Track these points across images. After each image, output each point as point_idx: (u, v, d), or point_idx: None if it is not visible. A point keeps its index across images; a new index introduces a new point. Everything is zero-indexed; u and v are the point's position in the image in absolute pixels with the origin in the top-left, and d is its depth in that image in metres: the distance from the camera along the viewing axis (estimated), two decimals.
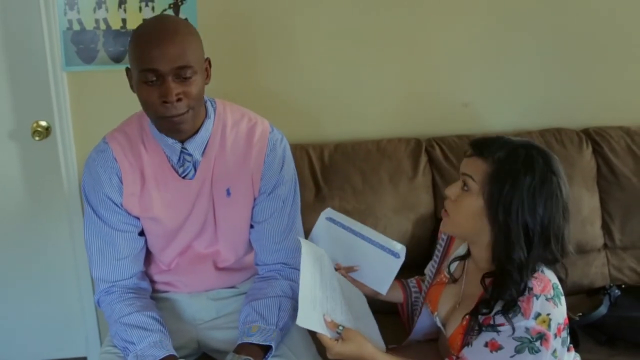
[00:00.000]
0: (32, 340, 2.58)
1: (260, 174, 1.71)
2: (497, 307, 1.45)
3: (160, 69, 1.47)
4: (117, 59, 2.17)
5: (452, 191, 1.53)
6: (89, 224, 1.71)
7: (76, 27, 2.12)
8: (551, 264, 1.48)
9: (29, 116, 2.27)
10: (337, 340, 1.52)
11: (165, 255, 1.78)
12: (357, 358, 1.53)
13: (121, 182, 1.66)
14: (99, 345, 2.52)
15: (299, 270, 1.78)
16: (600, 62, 2.49)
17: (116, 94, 2.21)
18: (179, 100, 1.50)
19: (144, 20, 1.59)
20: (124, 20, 2.13)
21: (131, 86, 1.59)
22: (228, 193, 1.70)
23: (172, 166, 1.67)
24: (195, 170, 1.67)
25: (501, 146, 1.47)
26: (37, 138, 2.26)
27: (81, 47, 2.14)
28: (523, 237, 1.44)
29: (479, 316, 1.48)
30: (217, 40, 2.21)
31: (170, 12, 2.14)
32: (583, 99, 2.52)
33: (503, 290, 1.45)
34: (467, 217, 1.50)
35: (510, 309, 1.43)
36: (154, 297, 1.82)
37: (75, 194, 2.32)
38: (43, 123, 2.26)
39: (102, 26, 2.13)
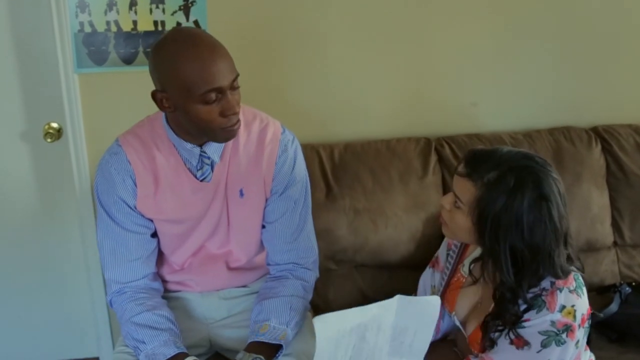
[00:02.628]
0: (44, 341, 2.59)
1: (272, 175, 1.72)
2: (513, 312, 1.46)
3: (223, 85, 1.49)
4: (128, 61, 2.18)
5: (446, 202, 1.54)
6: (102, 226, 1.72)
7: (87, 29, 2.13)
8: (556, 278, 1.46)
9: (40, 118, 2.28)
10: None
11: (177, 256, 1.79)
12: None
13: (135, 185, 1.67)
14: (111, 346, 2.53)
15: (310, 269, 1.81)
16: (608, 60, 2.50)
17: (127, 95, 2.23)
18: None
19: (163, 40, 1.51)
20: (134, 22, 2.15)
21: (164, 107, 1.58)
22: (241, 194, 1.71)
23: (189, 169, 1.68)
24: (212, 173, 1.69)
25: (493, 167, 1.43)
26: (48, 140, 2.27)
27: (92, 49, 2.16)
28: (510, 261, 1.43)
29: (492, 332, 1.49)
30: (227, 42, 2.20)
31: (180, 13, 2.15)
32: (592, 98, 2.52)
33: (503, 310, 1.46)
34: (461, 230, 1.52)
35: (519, 321, 1.44)
36: (166, 297, 1.83)
37: (87, 195, 2.33)
38: (55, 125, 2.28)
39: (113, 28, 2.14)
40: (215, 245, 1.77)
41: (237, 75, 1.53)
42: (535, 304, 1.44)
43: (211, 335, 1.86)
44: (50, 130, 2.27)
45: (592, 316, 1.82)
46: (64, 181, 2.34)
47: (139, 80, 2.19)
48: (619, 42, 2.49)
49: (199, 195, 1.69)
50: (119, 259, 1.72)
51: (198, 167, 1.67)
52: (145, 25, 2.16)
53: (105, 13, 2.13)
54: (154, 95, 1.56)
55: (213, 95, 1.48)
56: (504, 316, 1.46)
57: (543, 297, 1.43)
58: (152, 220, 1.73)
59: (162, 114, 1.67)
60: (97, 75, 2.20)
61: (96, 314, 2.52)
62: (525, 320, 1.44)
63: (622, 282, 2.23)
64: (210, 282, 1.83)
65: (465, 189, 1.46)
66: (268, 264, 1.84)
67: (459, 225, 1.50)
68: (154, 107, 2.25)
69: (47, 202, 2.41)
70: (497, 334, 1.49)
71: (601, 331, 2.09)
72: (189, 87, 1.47)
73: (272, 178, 1.72)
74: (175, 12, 2.15)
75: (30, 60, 2.22)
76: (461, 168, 1.49)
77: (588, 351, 1.66)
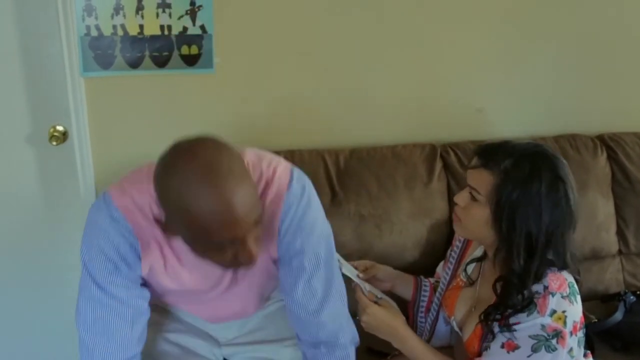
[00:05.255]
0: (44, 346, 2.58)
1: (276, 242, 1.48)
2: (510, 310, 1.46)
3: (243, 235, 1.25)
4: (134, 65, 2.18)
5: (460, 199, 1.55)
6: (87, 296, 1.46)
7: (94, 32, 2.13)
8: (560, 269, 1.48)
9: (46, 121, 2.27)
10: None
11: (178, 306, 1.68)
12: (388, 327, 1.59)
13: (139, 259, 1.43)
14: None
15: (342, 348, 1.57)
16: (614, 67, 2.50)
17: (133, 99, 2.24)
18: None
19: (170, 167, 1.23)
20: (141, 27, 2.14)
21: (165, 230, 1.35)
22: None
23: None
24: None
25: (507, 155, 1.46)
26: (54, 143, 2.26)
27: (99, 52, 2.16)
28: (524, 247, 1.44)
29: (490, 322, 1.49)
30: (233, 46, 2.22)
31: (187, 18, 2.15)
32: (598, 105, 2.53)
33: (507, 297, 1.46)
34: (477, 224, 1.52)
35: (522, 311, 1.44)
36: (165, 308, 1.72)
37: (91, 199, 2.33)
38: (60, 128, 2.27)
39: (120, 32, 2.14)
40: (222, 303, 1.61)
41: (260, 213, 1.28)
42: (527, 307, 1.44)
43: (225, 354, 1.74)
44: (56, 134, 2.26)
45: (593, 324, 1.83)
46: (68, 184, 2.34)
47: (145, 84, 2.21)
48: (625, 50, 2.49)
49: (210, 267, 1.42)
50: (105, 333, 1.47)
51: None
52: (152, 29, 2.15)
53: (112, 17, 2.12)
54: (155, 218, 1.35)
55: (228, 243, 1.25)
56: (507, 304, 1.46)
57: (535, 300, 1.44)
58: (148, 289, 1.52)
59: None
60: (103, 79, 2.20)
61: None
62: (516, 324, 1.45)
63: (626, 290, 2.22)
64: (217, 319, 1.71)
65: (482, 178, 1.47)
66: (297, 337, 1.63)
67: (476, 218, 1.51)
68: (158, 112, 2.27)
69: (52, 206, 2.40)
70: (490, 335, 1.49)
71: (605, 340, 2.08)
72: (198, 236, 1.25)
73: (276, 245, 1.48)
74: (181, 16, 2.15)
75: (36, 64, 2.22)
76: (475, 161, 1.51)
77: (591, 359, 1.65)
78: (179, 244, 1.40)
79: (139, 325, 1.49)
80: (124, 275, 1.42)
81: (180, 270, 1.46)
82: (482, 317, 1.52)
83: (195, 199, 1.19)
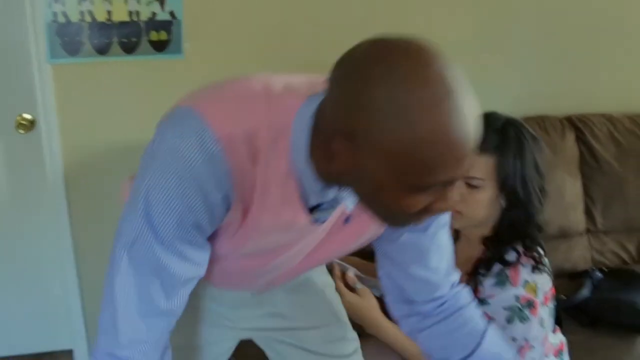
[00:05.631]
0: (17, 334, 2.56)
1: None
2: (491, 276, 1.50)
3: (460, 176, 0.99)
4: (102, 51, 2.15)
5: (455, 193, 1.51)
6: (139, 259, 1.04)
7: (61, 19, 2.10)
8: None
9: (13, 109, 2.24)
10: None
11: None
12: (363, 315, 1.60)
13: (226, 211, 1.05)
14: (85, 338, 2.51)
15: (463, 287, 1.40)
16: (583, 50, 2.53)
17: (101, 86, 2.21)
18: None
19: (390, 62, 0.92)
20: (109, 12, 2.12)
21: (334, 162, 0.94)
22: (346, 220, 1.17)
23: (306, 208, 1.08)
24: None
25: (490, 132, 1.47)
26: (21, 131, 2.23)
27: (66, 39, 2.12)
28: (539, 198, 1.52)
29: (478, 276, 1.52)
30: (202, 31, 2.21)
31: (156, 4, 2.12)
32: (566, 87, 2.56)
33: (506, 248, 1.52)
34: (484, 207, 1.53)
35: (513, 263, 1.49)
36: None
37: (59, 187, 2.30)
38: (27, 116, 2.24)
39: (87, 18, 2.11)
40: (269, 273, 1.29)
41: None
42: (499, 280, 1.47)
43: (241, 337, 1.53)
44: (23, 122, 2.23)
45: (559, 300, 1.87)
46: (36, 173, 2.31)
47: (113, 71, 2.19)
48: (593, 33, 2.52)
49: (299, 235, 1.15)
50: (148, 303, 1.08)
51: (322, 208, 1.11)
52: (120, 15, 2.13)
53: (79, 3, 2.09)
54: (329, 137, 0.93)
55: (440, 185, 0.93)
56: (504, 259, 1.51)
57: (506, 272, 1.47)
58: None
59: (306, 116, 1.00)
60: (71, 65, 2.17)
61: (70, 307, 2.49)
62: (490, 297, 1.47)
63: (593, 267, 2.27)
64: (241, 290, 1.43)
65: (479, 165, 1.49)
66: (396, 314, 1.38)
67: (482, 203, 1.52)
68: (127, 98, 2.24)
69: (19, 194, 2.37)
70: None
71: (573, 316, 2.13)
72: (409, 171, 0.90)
73: None
74: (150, 2, 2.13)
75: (1, 50, 2.18)
76: None
77: (559, 333, 1.69)
78: (280, 212, 1.05)
79: (187, 291, 1.12)
80: (202, 232, 1.05)
81: (261, 226, 1.08)
82: (469, 274, 1.55)
83: (431, 125, 0.87)
